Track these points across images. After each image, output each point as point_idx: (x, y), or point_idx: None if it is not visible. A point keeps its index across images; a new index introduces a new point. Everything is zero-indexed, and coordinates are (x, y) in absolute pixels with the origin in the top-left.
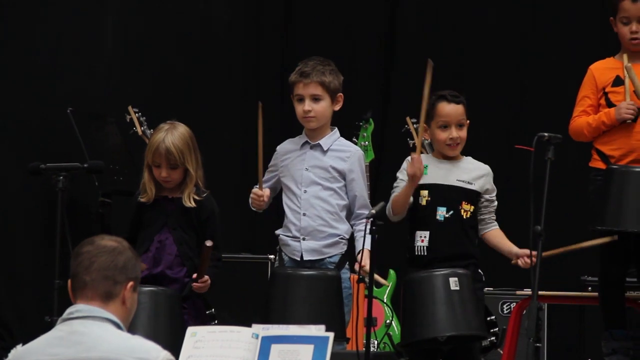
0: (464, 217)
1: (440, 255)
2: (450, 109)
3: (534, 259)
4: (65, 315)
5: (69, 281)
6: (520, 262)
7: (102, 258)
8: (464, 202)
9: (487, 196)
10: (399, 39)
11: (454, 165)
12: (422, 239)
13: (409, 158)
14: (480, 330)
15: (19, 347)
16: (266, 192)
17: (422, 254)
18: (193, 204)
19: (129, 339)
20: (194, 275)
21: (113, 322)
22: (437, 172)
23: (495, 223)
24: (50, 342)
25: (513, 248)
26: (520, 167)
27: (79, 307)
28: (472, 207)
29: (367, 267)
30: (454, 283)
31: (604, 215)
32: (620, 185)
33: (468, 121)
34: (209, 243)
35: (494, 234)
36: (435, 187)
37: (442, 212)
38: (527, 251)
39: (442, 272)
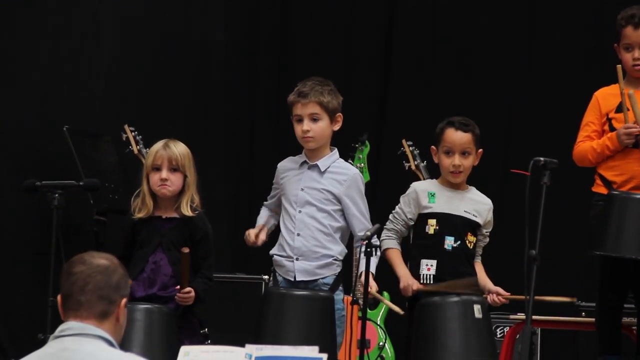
0: (469, 247)
1: None
2: (456, 137)
3: (502, 299)
4: (57, 332)
5: (59, 298)
6: (489, 298)
7: (96, 278)
8: (469, 233)
9: (485, 231)
10: (395, 61)
11: (461, 194)
12: (429, 267)
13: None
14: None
15: None
16: (260, 240)
17: (428, 282)
18: (190, 213)
19: (120, 356)
20: (177, 287)
21: (105, 340)
22: (445, 202)
23: (479, 258)
24: (41, 358)
25: (488, 284)
26: (516, 192)
27: (71, 325)
28: (475, 238)
29: (374, 288)
30: (477, 311)
31: (603, 240)
32: (621, 212)
33: (480, 150)
34: (185, 250)
35: (477, 267)
36: (444, 216)
37: (450, 242)
38: (498, 289)
39: (464, 299)
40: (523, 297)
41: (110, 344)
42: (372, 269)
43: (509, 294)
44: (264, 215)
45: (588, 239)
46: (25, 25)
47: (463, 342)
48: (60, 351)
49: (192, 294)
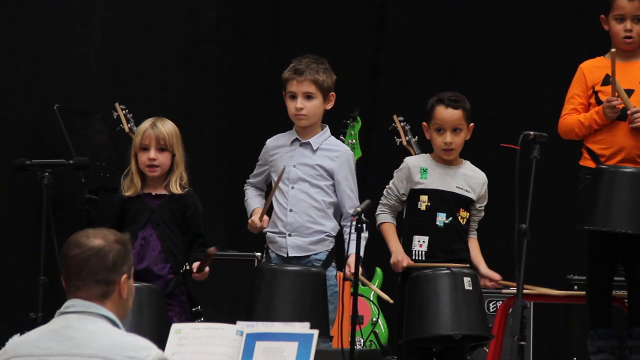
0: (461, 223)
1: (438, 260)
2: (446, 114)
3: (494, 284)
4: (62, 308)
5: (62, 279)
6: (481, 281)
7: (90, 262)
8: (461, 209)
9: (478, 205)
10: (386, 36)
11: (453, 170)
12: (421, 243)
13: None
14: (489, 333)
15: (16, 337)
16: (265, 222)
17: (420, 258)
18: (180, 191)
19: (121, 336)
20: (195, 268)
21: (108, 319)
22: (437, 177)
23: (475, 233)
24: (44, 335)
25: (480, 265)
26: (506, 166)
27: (75, 302)
28: (468, 213)
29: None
30: (467, 283)
31: (593, 215)
32: (610, 186)
33: (472, 124)
34: (212, 250)
35: (471, 244)
36: (436, 192)
37: (442, 218)
38: (490, 274)
39: (455, 270)
40: (514, 283)
41: (114, 323)
42: (361, 251)
43: (500, 278)
44: (252, 197)
45: (577, 213)
46: (14, 3)
47: (453, 314)
48: (62, 328)
49: (207, 270)
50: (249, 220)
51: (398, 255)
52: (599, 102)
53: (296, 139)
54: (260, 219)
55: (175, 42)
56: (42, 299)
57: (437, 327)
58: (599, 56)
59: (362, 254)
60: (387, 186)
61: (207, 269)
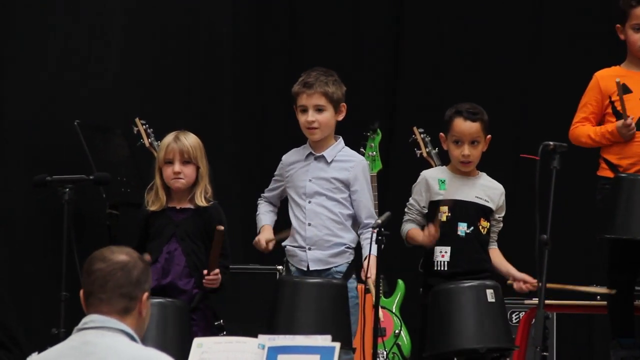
0: (482, 233)
1: (460, 270)
2: (465, 127)
3: (529, 286)
4: (80, 325)
5: (82, 293)
6: (515, 285)
7: (116, 276)
8: (482, 219)
9: (497, 216)
10: (405, 47)
11: (472, 181)
12: (443, 254)
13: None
14: (512, 344)
15: (34, 356)
16: (270, 245)
17: (442, 268)
18: (205, 203)
19: (140, 350)
20: (205, 272)
21: (127, 334)
22: (456, 188)
23: (496, 243)
24: (63, 352)
25: (511, 270)
26: (526, 176)
27: (94, 318)
28: (488, 223)
29: (374, 275)
30: (490, 295)
31: (612, 223)
32: (629, 194)
33: (489, 136)
34: (220, 227)
35: (494, 253)
36: (456, 202)
37: (463, 228)
38: (525, 276)
39: (477, 283)
40: (554, 285)
41: (132, 338)
42: (374, 251)
43: (536, 281)
44: (264, 212)
45: (596, 222)
46: (33, 21)
47: (477, 327)
48: (82, 344)
49: (220, 276)
50: (256, 239)
51: (429, 228)
52: (615, 111)
53: (310, 153)
54: (267, 243)
55: (194, 57)
56: (64, 315)
57: (462, 341)
58: (616, 65)
59: (374, 252)
60: (407, 203)
61: (218, 274)
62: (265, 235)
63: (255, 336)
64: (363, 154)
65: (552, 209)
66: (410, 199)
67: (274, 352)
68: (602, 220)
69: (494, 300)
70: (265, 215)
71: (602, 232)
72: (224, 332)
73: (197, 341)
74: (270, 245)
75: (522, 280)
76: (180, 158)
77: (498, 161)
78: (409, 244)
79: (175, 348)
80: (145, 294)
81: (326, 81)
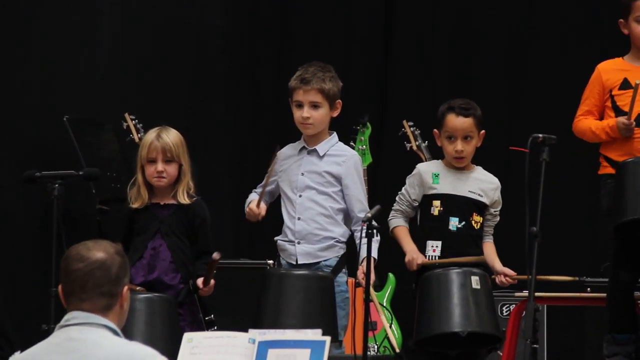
0: (475, 227)
1: (451, 264)
2: (457, 122)
3: (509, 279)
4: (62, 322)
5: (60, 290)
6: (497, 279)
7: (95, 275)
8: (474, 214)
9: (492, 210)
10: (394, 41)
11: (466, 175)
12: (434, 248)
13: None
14: (499, 332)
15: (17, 355)
16: (262, 209)
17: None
18: (188, 201)
19: (125, 344)
20: (200, 284)
21: (110, 329)
22: (449, 182)
23: (491, 237)
24: (46, 349)
25: (495, 263)
26: (516, 169)
27: (76, 314)
28: (481, 218)
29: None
30: (475, 282)
31: (624, 208)
32: (635, 176)
33: (483, 131)
34: (216, 256)
35: (487, 247)
36: (448, 197)
37: (454, 223)
38: (505, 269)
39: (463, 270)
40: (522, 276)
41: (115, 333)
42: (374, 254)
43: (515, 274)
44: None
45: (604, 216)
46: (22, 14)
47: (462, 311)
48: (65, 341)
49: (213, 283)
50: (247, 209)
51: (413, 254)
52: (615, 106)
53: (304, 147)
54: (258, 205)
55: (184, 52)
56: (55, 311)
57: (444, 324)
58: (618, 57)
59: (375, 255)
60: (399, 192)
61: (212, 282)
62: (253, 203)
63: (246, 331)
64: (353, 148)
65: (542, 201)
66: (403, 189)
67: (264, 346)
68: (612, 211)
69: (479, 287)
70: (254, 195)
71: (615, 219)
72: (215, 327)
73: (187, 336)
74: (262, 210)
75: (502, 273)
76: (163, 157)
77: (489, 154)
78: (392, 237)
79: (164, 342)
80: (125, 288)
81: (323, 77)
